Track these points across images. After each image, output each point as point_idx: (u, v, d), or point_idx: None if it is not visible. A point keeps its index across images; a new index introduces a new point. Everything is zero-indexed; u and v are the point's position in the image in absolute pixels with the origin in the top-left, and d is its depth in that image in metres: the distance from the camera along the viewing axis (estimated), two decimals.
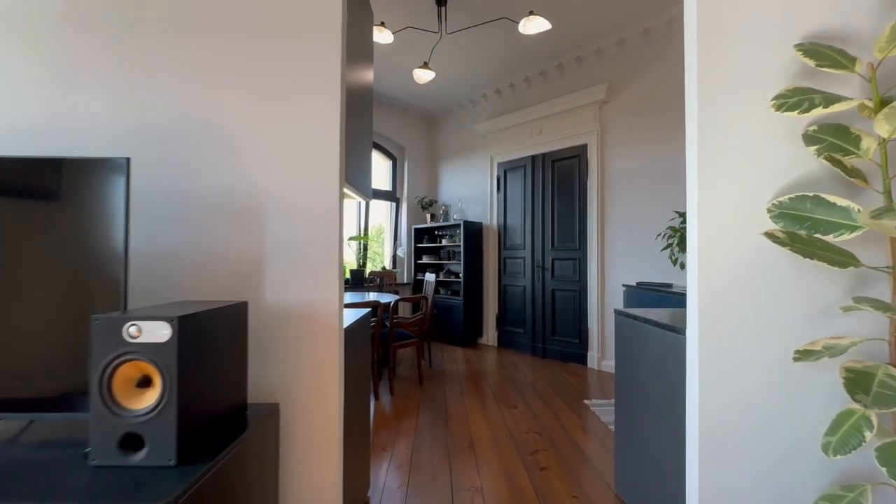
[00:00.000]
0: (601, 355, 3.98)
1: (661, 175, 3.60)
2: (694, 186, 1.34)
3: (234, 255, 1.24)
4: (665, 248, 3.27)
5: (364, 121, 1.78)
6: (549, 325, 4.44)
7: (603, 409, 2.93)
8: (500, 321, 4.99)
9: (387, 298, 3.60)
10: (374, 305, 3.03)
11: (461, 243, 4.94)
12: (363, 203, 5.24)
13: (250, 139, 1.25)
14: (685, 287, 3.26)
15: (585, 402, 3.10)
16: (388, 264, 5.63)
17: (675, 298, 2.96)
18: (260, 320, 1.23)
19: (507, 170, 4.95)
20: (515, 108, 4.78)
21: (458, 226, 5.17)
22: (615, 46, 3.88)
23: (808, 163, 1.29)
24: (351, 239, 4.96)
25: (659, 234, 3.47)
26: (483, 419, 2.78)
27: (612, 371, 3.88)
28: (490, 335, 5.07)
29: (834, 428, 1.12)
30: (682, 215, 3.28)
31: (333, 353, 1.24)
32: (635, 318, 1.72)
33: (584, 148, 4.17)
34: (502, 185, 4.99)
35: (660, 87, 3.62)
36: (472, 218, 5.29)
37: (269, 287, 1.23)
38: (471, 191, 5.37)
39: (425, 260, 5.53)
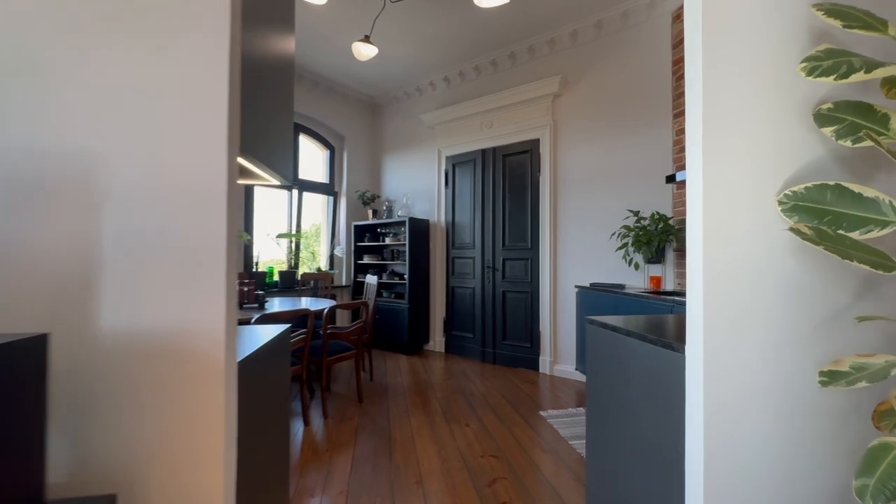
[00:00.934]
0: (554, 359, 3.82)
1: (615, 172, 3.50)
2: (697, 178, 1.10)
3: (43, 255, 0.76)
4: (620, 248, 3.15)
5: (283, 94, 1.35)
6: (499, 329, 4.20)
7: (561, 422, 2.72)
8: (448, 325, 4.68)
9: (321, 304, 3.12)
10: (304, 314, 2.55)
11: (406, 242, 4.55)
12: (295, 194, 4.65)
13: (79, 74, 0.78)
14: (642, 289, 3.17)
15: (542, 413, 2.88)
16: (324, 265, 5.08)
17: (631, 301, 2.83)
18: (86, 361, 0.76)
19: (455, 164, 4.64)
20: (465, 99, 4.49)
21: (402, 223, 4.77)
22: (568, 38, 3.73)
23: (815, 150, 1.10)
24: (280, 236, 4.35)
25: (613, 234, 3.36)
26: (432, 443, 2.42)
27: (566, 377, 3.72)
28: (437, 341, 4.74)
29: (868, 467, 0.91)
30: (636, 213, 3.19)
31: (216, 400, 0.81)
32: (615, 328, 1.46)
33: (536, 143, 3.98)
34: (451, 180, 4.68)
35: (614, 81, 3.52)
36: (419, 215, 4.92)
37: (106, 307, 0.77)
38: (417, 186, 5.00)
39: (367, 260, 5.06)
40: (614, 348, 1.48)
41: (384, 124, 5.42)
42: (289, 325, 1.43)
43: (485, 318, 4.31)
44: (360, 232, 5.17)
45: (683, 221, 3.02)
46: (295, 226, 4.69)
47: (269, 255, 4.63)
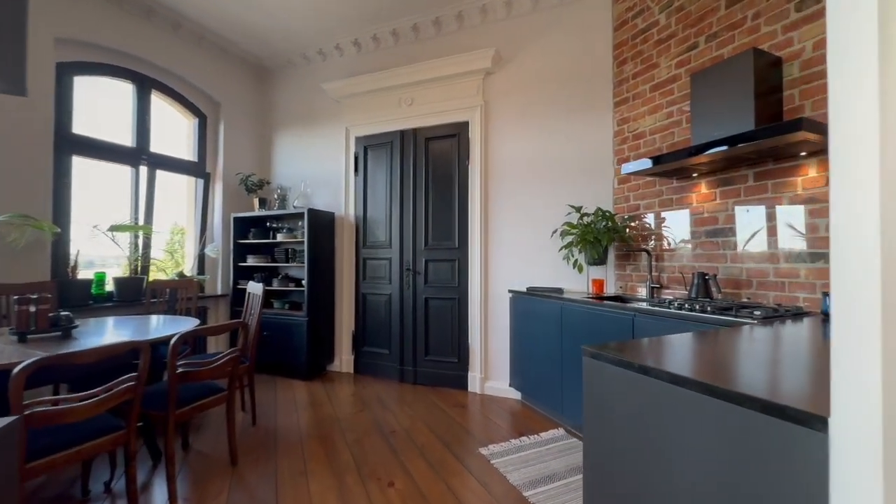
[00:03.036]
0: (484, 376, 3.32)
1: (554, 163, 3.13)
2: (869, 129, 0.61)
3: None
4: (564, 248, 2.76)
5: None
6: (421, 343, 3.57)
7: (507, 462, 2.19)
8: (359, 341, 3.89)
9: (177, 326, 2.14)
10: (131, 348, 1.59)
11: (305, 239, 3.64)
12: (143, 172, 3.40)
13: None
14: (584, 293, 2.82)
15: (482, 451, 2.32)
16: (190, 269, 3.86)
17: (578, 309, 2.44)
18: None
19: (368, 147, 3.88)
20: (379, 68, 3.76)
21: (300, 216, 3.84)
22: (503, 7, 3.27)
23: None
24: (115, 228, 3.10)
25: (555, 231, 2.98)
26: None
27: (498, 394, 3.25)
28: (344, 360, 3.91)
29: None
30: (579, 209, 2.84)
31: None
32: (649, 371, 0.93)
33: (464, 126, 3.45)
34: (362, 165, 3.90)
35: (552, 63, 3.15)
36: (321, 206, 4.02)
37: None
38: (319, 171, 4.10)
39: (252, 262, 3.98)
40: (644, 399, 0.95)
41: (276, 93, 4.38)
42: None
43: (403, 330, 3.64)
44: (243, 226, 4.06)
45: (630, 218, 2.75)
46: (143, 215, 3.43)
47: (102, 252, 3.30)
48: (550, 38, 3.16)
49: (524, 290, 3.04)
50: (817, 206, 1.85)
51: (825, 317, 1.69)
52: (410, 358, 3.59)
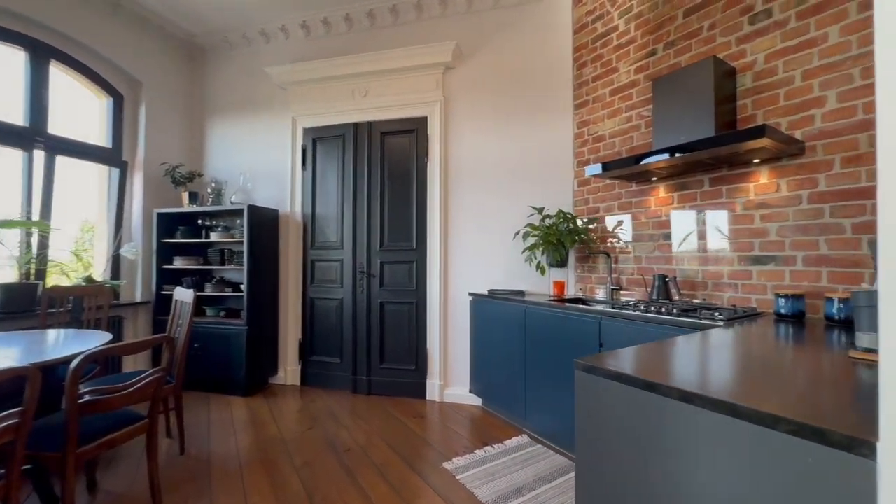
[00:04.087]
0: (444, 382, 3.18)
1: (515, 164, 3.07)
2: None
3: None
4: (529, 249, 2.71)
5: None
6: (376, 350, 3.35)
7: (473, 476, 2.06)
8: (306, 350, 3.57)
9: (82, 342, 1.78)
10: (14, 375, 1.25)
11: (245, 239, 3.27)
12: (39, 158, 2.84)
13: None
14: (546, 296, 2.78)
15: (446, 466, 2.18)
16: (101, 273, 3.31)
17: (542, 313, 2.39)
18: None
19: (317, 139, 3.58)
20: (330, 55, 3.49)
21: (239, 212, 3.45)
22: (464, 0, 3.16)
23: None
24: (4, 225, 2.55)
25: (517, 232, 2.92)
26: None
27: (458, 401, 3.13)
28: (290, 371, 3.57)
29: None
30: (541, 211, 2.81)
31: None
32: (664, 389, 0.85)
33: (423, 121, 3.29)
34: (310, 159, 3.59)
35: (513, 62, 3.10)
36: (264, 202, 3.65)
37: None
38: (261, 164, 3.72)
39: (179, 264, 3.51)
40: (650, 419, 0.86)
41: (211, 75, 3.92)
42: None
43: (357, 337, 3.39)
44: (169, 223, 3.58)
45: (591, 221, 2.75)
46: (39, 208, 2.87)
47: None
48: (512, 36, 3.10)
49: (485, 292, 2.95)
50: (768, 210, 1.94)
51: (778, 317, 1.76)
52: (364, 366, 3.36)
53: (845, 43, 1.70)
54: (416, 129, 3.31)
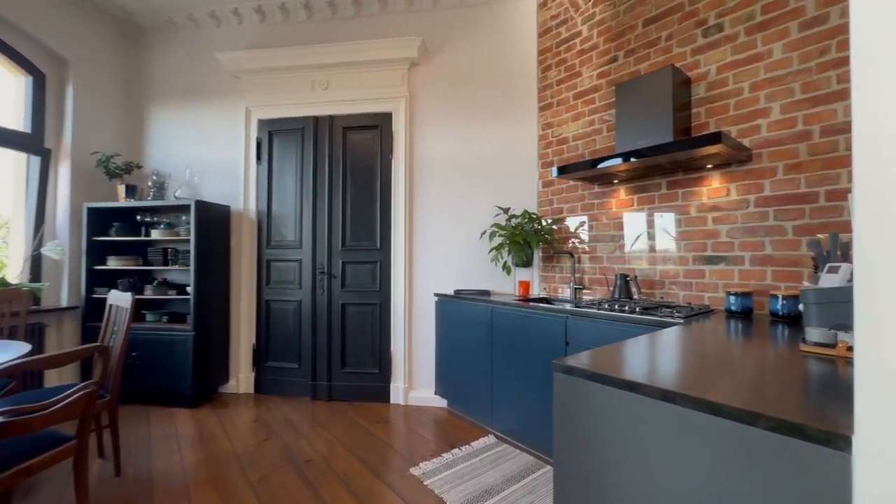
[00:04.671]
0: (408, 385, 3.11)
1: (481, 164, 3.06)
2: None
3: None
4: (496, 249, 2.71)
5: None
6: (337, 354, 3.21)
7: (442, 480, 2.02)
8: (261, 355, 3.36)
9: None
10: None
11: (192, 237, 3.01)
12: None
13: None
14: (512, 295, 2.80)
15: (414, 472, 2.12)
16: (19, 274, 2.92)
17: (510, 313, 2.40)
18: None
19: (274, 132, 3.38)
20: (288, 44, 3.31)
21: (184, 208, 3.18)
22: None
23: None
24: None
25: (484, 232, 2.91)
26: None
27: (424, 404, 3.07)
28: (242, 379, 3.34)
29: None
30: (506, 211, 2.82)
31: None
32: (646, 389, 0.84)
33: (387, 118, 3.20)
34: (266, 153, 3.39)
35: (479, 62, 3.09)
36: (214, 198, 3.39)
37: None
38: (211, 156, 3.45)
39: (114, 265, 3.18)
40: (632, 419, 0.86)
41: (153, 58, 3.58)
42: None
43: (316, 340, 3.24)
44: (102, 219, 3.23)
45: (556, 221, 2.80)
46: None
47: None
48: (478, 36, 3.10)
49: (451, 292, 2.92)
50: (719, 213, 2.06)
51: (729, 314, 1.87)
52: (324, 371, 3.21)
53: (787, 59, 1.84)
54: (380, 125, 3.22)
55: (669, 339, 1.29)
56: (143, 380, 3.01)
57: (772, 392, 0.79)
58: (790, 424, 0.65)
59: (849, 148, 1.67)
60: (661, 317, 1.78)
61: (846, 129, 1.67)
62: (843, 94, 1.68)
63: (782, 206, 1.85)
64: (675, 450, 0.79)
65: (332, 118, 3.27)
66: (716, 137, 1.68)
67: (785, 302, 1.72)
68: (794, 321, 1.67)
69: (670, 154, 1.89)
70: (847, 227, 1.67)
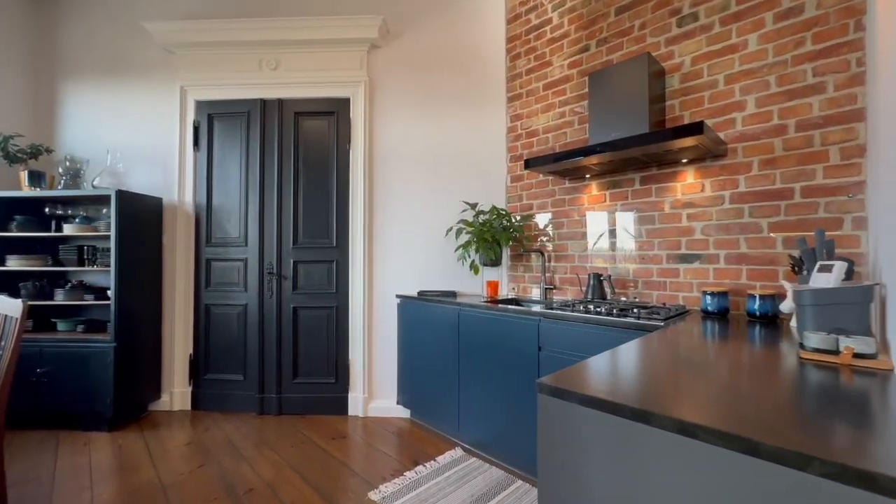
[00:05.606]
0: (368, 395, 2.86)
1: (446, 157, 2.87)
2: None
3: None
4: (463, 248, 2.52)
5: None
6: (288, 363, 2.90)
7: (409, 502, 1.81)
8: (199, 367, 2.98)
9: None
10: None
11: (113, 233, 2.60)
12: None
13: None
14: (480, 296, 2.62)
15: (373, 496, 1.89)
16: None
17: (481, 316, 2.22)
18: None
19: (214, 115, 3.01)
20: (232, 15, 2.95)
21: (104, 199, 2.75)
22: None
23: None
24: None
25: (450, 229, 2.71)
26: None
27: (385, 415, 2.83)
28: (178, 394, 2.95)
29: None
30: (474, 206, 2.64)
31: None
32: (660, 420, 0.68)
33: (345, 104, 2.93)
34: (205, 138, 3.00)
35: (444, 47, 2.89)
36: (143, 188, 2.97)
37: None
38: (139, 141, 3.02)
39: (15, 265, 2.69)
40: (640, 456, 0.69)
41: (65, 26, 3.08)
42: None
43: (264, 348, 2.91)
44: (0, 212, 2.72)
45: (526, 218, 2.65)
46: None
47: None
48: (443, 19, 2.89)
49: (415, 294, 2.71)
50: (694, 210, 1.98)
51: (705, 314, 1.79)
52: (273, 383, 2.89)
53: (762, 51, 1.78)
54: (336, 111, 2.94)
55: (656, 348, 1.15)
56: (52, 400, 2.56)
57: (800, 419, 0.65)
58: (856, 472, 0.50)
59: (824, 143, 1.63)
60: (637, 319, 1.67)
61: (822, 123, 1.63)
62: (819, 88, 1.63)
63: (757, 203, 1.79)
64: (699, 494, 0.62)
65: (281, 101, 2.94)
66: (697, 128, 1.58)
67: (762, 302, 1.66)
68: (770, 321, 1.61)
69: (645, 147, 1.78)
70: (823, 223, 1.62)
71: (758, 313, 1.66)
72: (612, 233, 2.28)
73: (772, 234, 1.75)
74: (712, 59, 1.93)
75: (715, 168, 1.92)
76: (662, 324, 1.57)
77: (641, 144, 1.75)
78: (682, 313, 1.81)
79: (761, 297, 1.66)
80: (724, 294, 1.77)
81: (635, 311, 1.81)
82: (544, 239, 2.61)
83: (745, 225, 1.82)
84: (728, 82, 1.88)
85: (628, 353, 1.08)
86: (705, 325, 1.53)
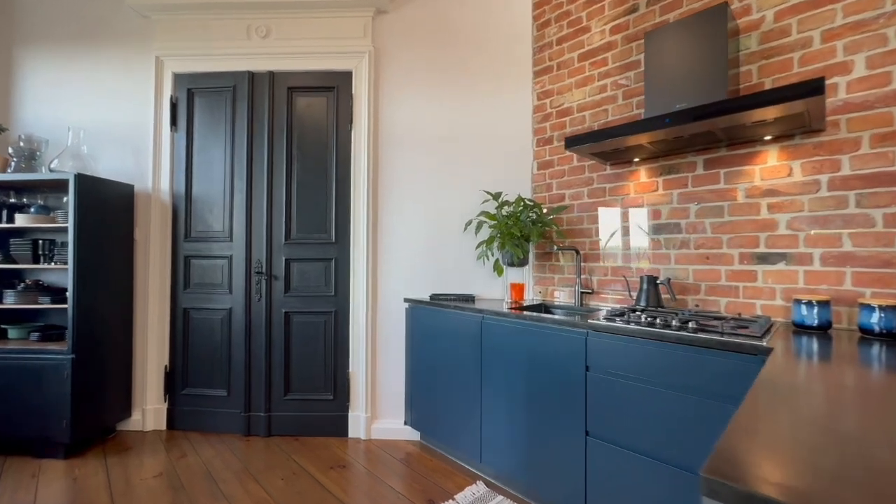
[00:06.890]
0: (371, 414, 2.48)
1: (465, 140, 2.49)
2: None
3: None
4: (486, 244, 2.14)
5: None
6: (279, 377, 2.52)
7: None
8: (176, 380, 2.59)
9: None
10: None
11: (71, 224, 2.20)
12: None
13: None
14: (503, 301, 2.25)
15: None
16: None
17: (510, 326, 1.85)
18: None
19: (195, 90, 2.61)
20: None
21: (62, 184, 2.35)
22: None
23: None
24: None
25: (468, 224, 2.33)
26: None
27: (391, 437, 2.45)
28: (151, 411, 2.56)
29: None
30: (497, 197, 2.26)
31: None
32: None
33: (346, 78, 2.54)
34: (185, 117, 2.61)
35: (462, 13, 2.51)
36: (112, 174, 2.58)
37: None
38: (107, 119, 2.62)
39: None
40: None
41: None
42: None
43: (251, 359, 2.52)
44: None
45: (559, 210, 2.26)
46: None
47: None
48: None
49: (426, 298, 2.33)
50: (777, 199, 1.61)
51: (798, 328, 1.43)
52: (262, 399, 2.50)
53: None
54: (336, 86, 2.55)
55: (804, 385, 0.78)
56: None
57: None
58: None
59: None
60: (722, 336, 1.30)
61: None
62: None
63: (868, 189, 1.42)
64: None
65: (273, 75, 2.55)
66: (817, 86, 1.20)
67: (883, 315, 1.30)
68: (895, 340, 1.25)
69: (733, 116, 1.41)
70: None
71: (875, 330, 1.30)
72: (667, 227, 1.91)
73: (892, 230, 1.38)
74: (804, 11, 1.56)
75: (807, 146, 1.55)
76: (764, 343, 1.20)
77: (737, 111, 1.37)
78: (768, 328, 1.44)
79: (882, 308, 1.29)
80: (825, 303, 1.40)
81: (715, 323, 1.44)
82: (581, 235, 2.23)
83: (851, 217, 1.46)
84: (827, 39, 1.51)
85: (791, 400, 0.70)
86: (838, 346, 1.16)
